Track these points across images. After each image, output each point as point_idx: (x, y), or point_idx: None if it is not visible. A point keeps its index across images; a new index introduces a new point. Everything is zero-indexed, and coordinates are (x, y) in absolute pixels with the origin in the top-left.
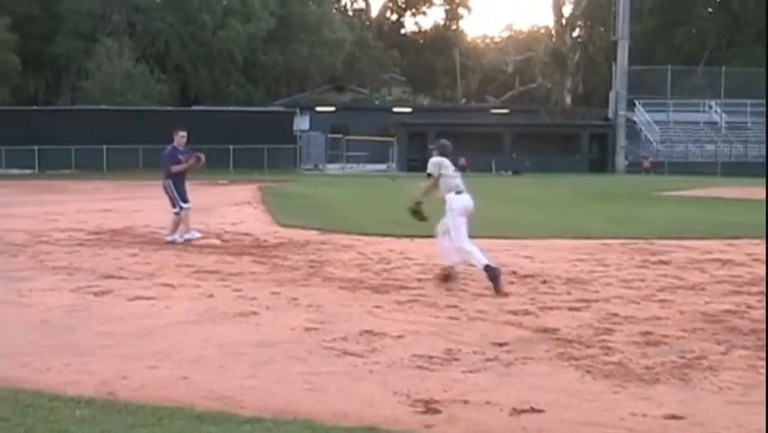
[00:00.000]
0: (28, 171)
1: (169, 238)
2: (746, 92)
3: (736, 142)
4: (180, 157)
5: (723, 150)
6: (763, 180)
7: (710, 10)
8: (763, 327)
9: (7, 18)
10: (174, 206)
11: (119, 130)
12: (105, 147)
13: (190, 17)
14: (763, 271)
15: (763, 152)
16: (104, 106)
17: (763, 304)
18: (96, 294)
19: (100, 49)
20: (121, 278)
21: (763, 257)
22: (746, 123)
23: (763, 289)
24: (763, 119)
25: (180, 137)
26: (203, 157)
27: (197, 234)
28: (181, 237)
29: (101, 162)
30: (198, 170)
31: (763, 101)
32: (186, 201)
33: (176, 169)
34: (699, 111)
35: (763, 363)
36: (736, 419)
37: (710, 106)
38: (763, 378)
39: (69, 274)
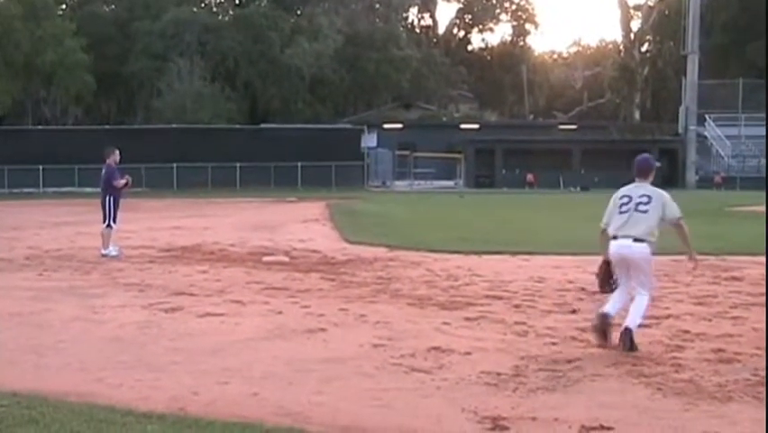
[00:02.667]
0: (100, 190)
1: (103, 252)
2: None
3: None
4: (116, 174)
5: None
6: None
7: None
8: None
9: (83, 39)
10: (105, 220)
11: (189, 148)
12: (175, 165)
13: (258, 36)
14: None
15: None
16: (174, 125)
17: None
18: (166, 311)
19: (172, 68)
20: (191, 295)
21: None
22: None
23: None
24: None
25: (114, 156)
26: (130, 181)
27: (114, 252)
28: (114, 250)
29: (171, 180)
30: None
31: None
32: (115, 221)
33: (119, 183)
34: None
35: None
36: None
37: None
38: None
39: (141, 291)
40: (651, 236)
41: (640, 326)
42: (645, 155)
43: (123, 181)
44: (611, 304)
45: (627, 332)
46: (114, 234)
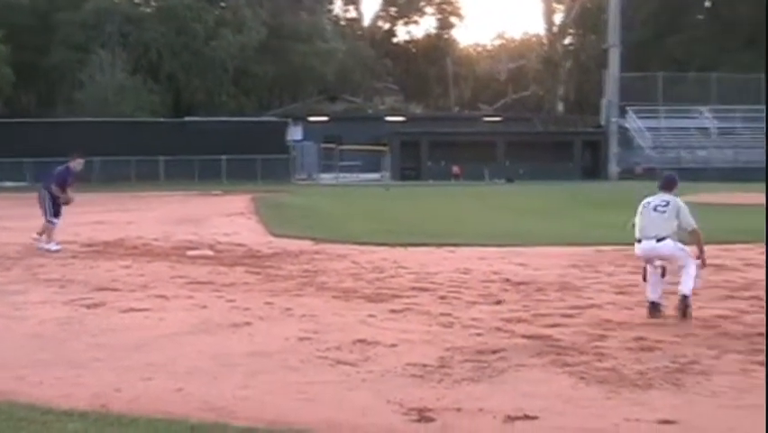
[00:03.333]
0: (20, 184)
1: (45, 247)
2: (737, 98)
3: (726, 148)
4: (69, 179)
5: (714, 155)
6: (756, 186)
7: (701, 17)
8: (756, 331)
9: (0, 30)
10: (46, 216)
11: (111, 142)
12: (97, 159)
13: (182, 27)
14: (757, 275)
15: (755, 157)
16: (96, 118)
17: (757, 309)
18: (88, 307)
19: (93, 60)
20: (114, 290)
21: (757, 261)
22: (737, 128)
23: (756, 294)
24: (754, 124)
25: (78, 163)
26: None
27: (57, 248)
28: (55, 246)
29: (93, 174)
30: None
31: (755, 106)
32: (57, 216)
33: (56, 192)
34: (690, 117)
35: (756, 366)
36: (728, 422)
37: (701, 113)
38: (756, 382)
39: (62, 287)
40: (672, 234)
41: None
42: (672, 173)
43: (62, 195)
44: (653, 291)
45: (685, 299)
46: (56, 230)
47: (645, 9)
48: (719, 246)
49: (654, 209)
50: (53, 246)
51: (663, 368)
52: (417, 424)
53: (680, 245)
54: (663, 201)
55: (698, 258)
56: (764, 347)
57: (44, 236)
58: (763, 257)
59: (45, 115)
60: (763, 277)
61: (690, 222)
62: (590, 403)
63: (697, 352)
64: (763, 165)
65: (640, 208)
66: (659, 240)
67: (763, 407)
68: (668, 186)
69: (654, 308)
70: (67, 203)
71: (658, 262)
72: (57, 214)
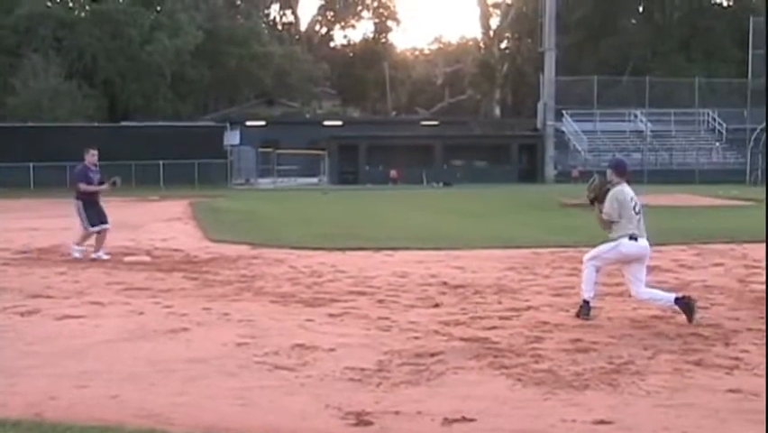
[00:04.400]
0: None
1: (94, 255)
2: (670, 101)
3: (661, 150)
4: (91, 175)
5: (649, 158)
6: (689, 187)
7: (635, 21)
8: (689, 331)
9: None
10: (82, 224)
11: (46, 147)
12: (31, 164)
13: (117, 32)
14: (690, 276)
15: (689, 160)
16: (30, 123)
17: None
18: (22, 314)
19: (26, 64)
20: (49, 297)
21: (690, 263)
22: (671, 131)
23: (689, 294)
24: (688, 127)
25: (91, 155)
26: (119, 181)
27: (105, 256)
28: (104, 254)
29: (27, 180)
30: (110, 191)
31: (688, 109)
32: (96, 224)
33: (84, 188)
34: (625, 120)
35: (690, 366)
36: (662, 421)
37: (636, 116)
38: (689, 381)
39: None
40: None
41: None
42: (621, 157)
43: (89, 188)
44: (588, 288)
45: (684, 301)
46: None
47: (579, 12)
48: (653, 247)
49: (642, 211)
50: (77, 250)
51: (599, 369)
52: (356, 428)
53: None
54: (637, 199)
55: None
56: (697, 348)
57: (84, 243)
58: (696, 259)
59: None
60: (696, 278)
61: None
62: (527, 405)
63: (632, 352)
64: (698, 168)
65: (626, 201)
66: (647, 238)
67: (695, 406)
68: (626, 170)
69: (589, 307)
70: (113, 185)
71: (623, 262)
72: (94, 222)
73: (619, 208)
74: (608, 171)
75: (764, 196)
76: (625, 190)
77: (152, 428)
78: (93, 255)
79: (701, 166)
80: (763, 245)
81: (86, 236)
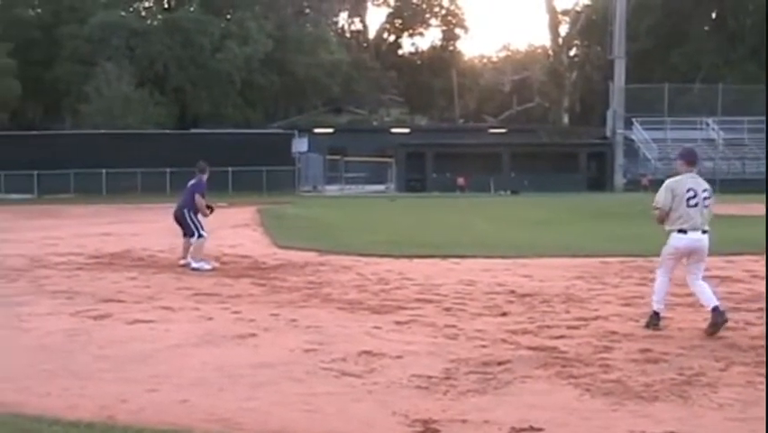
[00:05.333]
0: (27, 196)
1: (196, 265)
2: (743, 109)
3: (733, 159)
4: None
5: (720, 167)
6: (762, 196)
7: (707, 28)
8: (762, 343)
9: (8, 44)
10: (188, 234)
11: (118, 154)
12: (104, 171)
13: (188, 40)
14: (762, 287)
15: (761, 168)
16: (102, 130)
17: (763, 320)
18: (94, 318)
19: (99, 73)
20: (120, 301)
21: (763, 273)
22: (743, 139)
23: (762, 305)
24: (760, 135)
25: (205, 172)
26: (213, 209)
27: (210, 266)
28: (206, 263)
29: (100, 186)
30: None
31: (760, 117)
32: (201, 232)
33: (200, 203)
34: (696, 128)
35: (762, 379)
36: None
37: (707, 124)
38: (763, 394)
39: (69, 298)
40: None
41: None
42: (690, 146)
43: (202, 205)
44: (658, 299)
45: (717, 309)
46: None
47: (649, 20)
48: (725, 258)
49: (704, 203)
50: (206, 265)
51: (669, 380)
52: None
53: None
54: (707, 191)
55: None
56: None
57: (191, 255)
58: None
59: (51, 127)
60: None
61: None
62: (595, 415)
63: (703, 364)
64: None
65: (681, 191)
66: (704, 232)
67: None
68: (696, 161)
69: (658, 318)
70: (205, 214)
71: (676, 261)
72: (200, 232)
73: (671, 199)
74: (677, 161)
75: None
76: (683, 181)
77: None
78: (194, 265)
79: None
80: None
81: (201, 246)
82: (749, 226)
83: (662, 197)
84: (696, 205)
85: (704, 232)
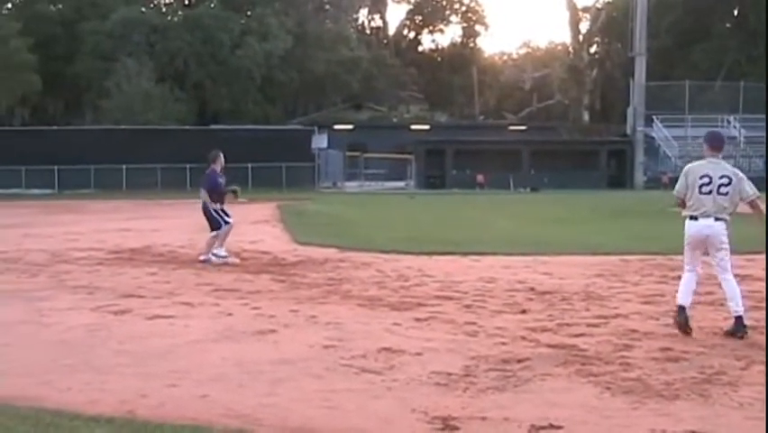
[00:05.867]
0: (48, 191)
1: (214, 251)
2: (765, 107)
3: (755, 157)
4: (220, 180)
5: (742, 164)
6: None
7: (728, 25)
8: None
9: (29, 39)
10: (213, 229)
11: (138, 149)
12: (124, 167)
13: (208, 36)
14: None
15: None
16: (122, 126)
17: None
18: (115, 313)
19: (120, 69)
20: (140, 297)
21: None
22: (765, 137)
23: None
24: None
25: (220, 159)
26: (239, 191)
27: (223, 254)
28: (228, 256)
29: (120, 182)
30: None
31: None
32: (227, 221)
33: (204, 197)
34: (717, 126)
35: None
36: None
37: (729, 121)
38: None
39: (89, 293)
40: (728, 215)
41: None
42: (715, 130)
43: (216, 196)
44: (683, 296)
45: (740, 320)
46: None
47: (670, 17)
48: (746, 256)
49: (718, 190)
50: (226, 255)
51: (690, 379)
52: None
53: (728, 235)
54: (725, 178)
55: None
56: None
57: (214, 247)
58: None
59: (71, 123)
60: None
61: (752, 191)
62: (616, 414)
63: (724, 363)
64: None
65: (694, 177)
66: (717, 219)
67: None
68: (719, 146)
69: (684, 315)
70: (234, 196)
71: (694, 252)
72: (224, 220)
73: (685, 185)
74: (703, 145)
75: None
76: (700, 166)
77: (241, 429)
78: (202, 257)
79: None
80: None
81: (224, 236)
82: None
83: (678, 182)
84: (709, 192)
85: (717, 219)
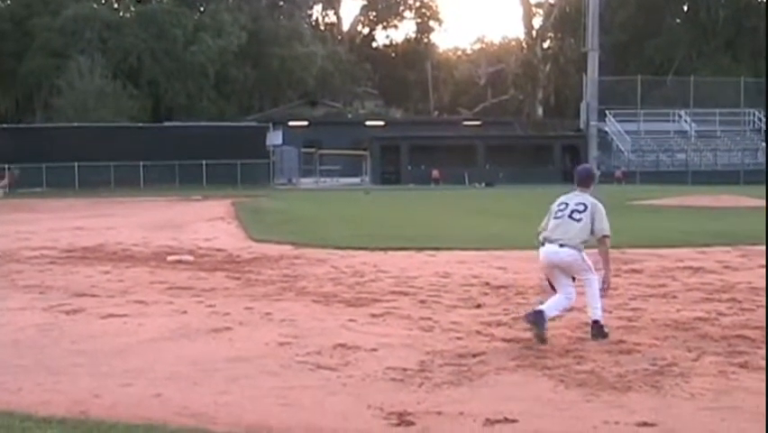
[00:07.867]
0: None
1: None
2: (715, 101)
3: (705, 151)
4: None
5: (693, 159)
6: (734, 188)
7: (679, 21)
8: (734, 333)
9: None
10: None
11: (90, 147)
12: (76, 164)
13: (161, 32)
14: (734, 278)
15: (733, 160)
16: (75, 124)
17: (735, 311)
18: (67, 313)
19: (72, 66)
20: (93, 296)
21: (734, 264)
22: (716, 131)
23: (733, 296)
24: (732, 127)
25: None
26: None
27: None
28: None
29: (73, 180)
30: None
31: (733, 109)
32: None
33: None
34: (669, 121)
35: (734, 368)
36: (706, 425)
37: (680, 116)
38: (734, 384)
39: (41, 293)
40: (579, 243)
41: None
42: (587, 165)
43: None
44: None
45: (596, 324)
46: None
47: (623, 13)
48: (698, 249)
49: (570, 215)
50: None
51: (642, 371)
52: (398, 428)
53: (580, 257)
54: (581, 205)
55: (601, 271)
56: (743, 350)
57: None
58: (741, 260)
59: (22, 121)
60: (742, 280)
61: (605, 228)
62: (570, 406)
63: (675, 354)
64: (742, 168)
65: (554, 207)
66: (562, 246)
67: (741, 409)
68: (586, 182)
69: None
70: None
71: (549, 275)
72: None
73: (546, 219)
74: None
75: None
76: (565, 196)
77: (195, 427)
78: None
79: (746, 167)
80: None
81: None
82: (720, 218)
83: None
84: (561, 217)
85: (562, 246)
